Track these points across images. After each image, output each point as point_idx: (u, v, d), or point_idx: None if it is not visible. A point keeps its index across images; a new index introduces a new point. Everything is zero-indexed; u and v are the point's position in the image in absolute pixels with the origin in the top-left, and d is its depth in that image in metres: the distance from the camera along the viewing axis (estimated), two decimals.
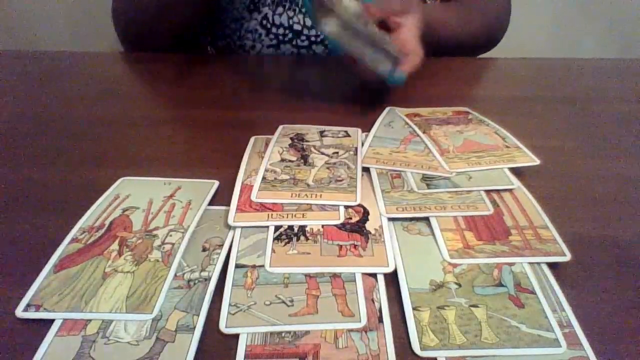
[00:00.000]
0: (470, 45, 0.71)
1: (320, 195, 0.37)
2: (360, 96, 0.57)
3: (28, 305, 0.28)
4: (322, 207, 0.36)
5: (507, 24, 0.80)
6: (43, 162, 0.44)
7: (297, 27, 0.69)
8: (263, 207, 0.36)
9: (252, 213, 0.36)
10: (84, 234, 0.34)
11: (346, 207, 0.37)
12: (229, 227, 0.35)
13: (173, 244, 0.33)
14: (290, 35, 0.70)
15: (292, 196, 0.37)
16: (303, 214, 0.36)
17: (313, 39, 0.70)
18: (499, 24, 0.79)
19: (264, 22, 0.70)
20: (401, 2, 0.52)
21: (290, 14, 0.69)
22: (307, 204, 0.37)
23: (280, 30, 0.70)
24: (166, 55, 0.67)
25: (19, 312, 0.28)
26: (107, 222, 0.35)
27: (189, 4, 0.63)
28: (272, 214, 0.36)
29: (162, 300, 0.29)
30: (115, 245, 0.33)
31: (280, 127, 0.48)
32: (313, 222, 0.35)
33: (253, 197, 0.37)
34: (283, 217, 0.35)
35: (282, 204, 0.37)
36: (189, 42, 0.71)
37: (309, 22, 0.69)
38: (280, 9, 0.69)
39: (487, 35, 0.76)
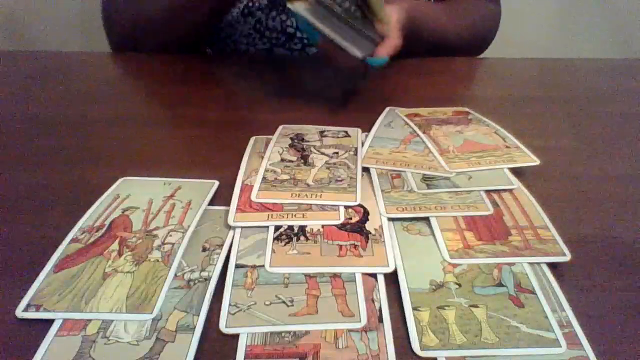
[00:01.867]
0: (455, 45, 0.71)
1: (320, 196, 0.37)
2: (360, 96, 0.57)
3: (28, 305, 0.28)
4: (322, 207, 0.36)
5: (496, 28, 0.80)
6: (43, 162, 0.44)
7: (290, 30, 0.70)
8: (263, 207, 0.36)
9: (252, 213, 0.36)
10: (84, 234, 0.34)
11: (346, 207, 0.36)
12: (229, 227, 0.35)
13: (173, 244, 0.33)
14: (283, 39, 0.71)
15: (292, 196, 0.37)
16: (303, 214, 0.36)
17: (306, 41, 0.71)
18: (487, 27, 0.79)
19: (258, 26, 0.70)
20: None
21: (284, 17, 0.69)
22: (307, 204, 0.37)
23: (274, 34, 0.70)
24: (166, 56, 0.67)
25: (19, 312, 0.28)
26: (107, 222, 0.35)
27: (197, 12, 0.63)
28: (272, 214, 0.36)
29: (162, 300, 0.29)
30: (115, 245, 0.33)
31: (280, 127, 0.48)
32: (313, 222, 0.35)
33: (253, 197, 0.37)
34: (283, 217, 0.35)
35: (282, 204, 0.37)
36: (189, 49, 0.71)
37: None
38: (273, 13, 0.69)
39: (473, 37, 0.76)
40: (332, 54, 0.51)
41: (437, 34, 0.68)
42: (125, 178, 0.40)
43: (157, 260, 0.32)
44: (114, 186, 0.39)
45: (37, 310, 0.28)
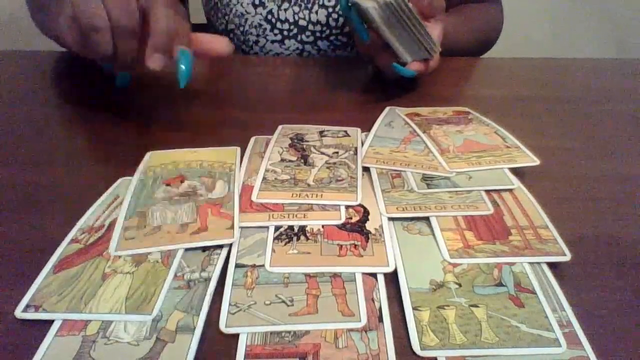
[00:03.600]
0: (468, 52, 0.72)
1: (321, 195, 0.37)
2: (360, 96, 0.57)
3: (27, 306, 0.28)
4: (323, 207, 0.36)
5: (500, 30, 0.81)
6: (43, 162, 0.44)
7: (302, 22, 0.69)
8: (264, 207, 0.36)
9: (253, 213, 0.36)
10: (83, 235, 0.34)
11: (347, 206, 0.36)
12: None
13: None
14: (295, 31, 0.70)
15: (292, 196, 0.37)
16: (304, 214, 0.36)
17: (318, 34, 0.70)
18: (494, 32, 0.80)
19: (269, 17, 0.69)
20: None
21: (296, 9, 0.69)
22: (308, 204, 0.37)
23: (285, 26, 0.70)
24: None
25: (19, 312, 0.28)
26: (106, 223, 0.35)
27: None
28: (272, 214, 0.35)
29: (162, 300, 0.29)
30: None
31: (280, 127, 0.48)
32: (314, 222, 0.35)
33: (254, 198, 0.37)
34: (284, 217, 0.35)
35: (282, 204, 0.37)
36: None
37: (314, 18, 0.69)
38: (286, 4, 0.68)
39: (484, 43, 0.78)
40: (374, 53, 0.54)
41: (459, 46, 0.69)
42: (125, 178, 0.40)
43: (157, 261, 0.32)
44: (113, 186, 0.39)
45: (37, 310, 0.28)
